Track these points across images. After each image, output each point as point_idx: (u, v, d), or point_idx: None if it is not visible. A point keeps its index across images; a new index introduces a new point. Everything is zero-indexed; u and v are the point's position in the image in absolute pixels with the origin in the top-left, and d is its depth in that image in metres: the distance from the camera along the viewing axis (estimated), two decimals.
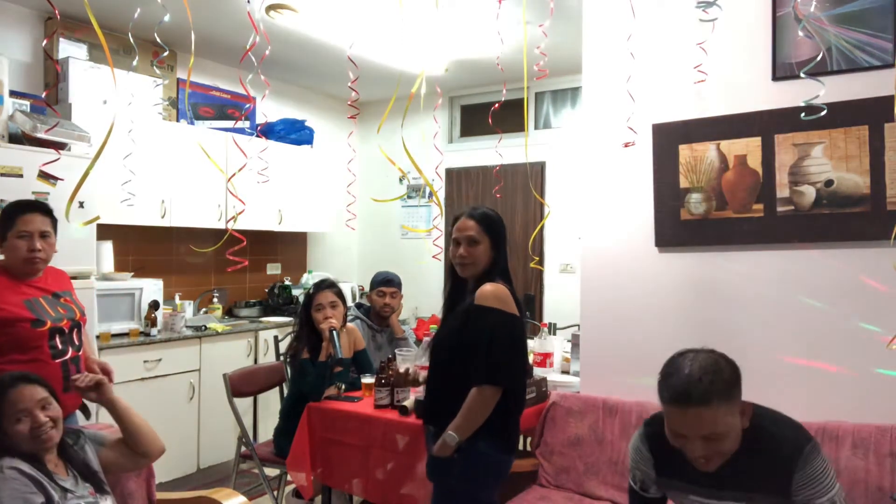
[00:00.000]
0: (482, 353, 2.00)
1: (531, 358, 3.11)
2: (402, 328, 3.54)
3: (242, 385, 3.21)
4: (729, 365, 1.58)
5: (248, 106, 4.72)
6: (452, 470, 2.04)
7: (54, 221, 2.36)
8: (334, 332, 2.82)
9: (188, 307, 4.30)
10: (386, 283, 3.50)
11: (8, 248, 2.27)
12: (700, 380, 1.51)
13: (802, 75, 1.97)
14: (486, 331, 2.01)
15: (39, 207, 2.33)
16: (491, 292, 2.05)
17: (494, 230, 2.16)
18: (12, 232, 2.25)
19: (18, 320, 2.20)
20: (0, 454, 1.75)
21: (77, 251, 3.21)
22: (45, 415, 1.79)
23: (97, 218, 2.86)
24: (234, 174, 1.99)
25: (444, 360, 2.14)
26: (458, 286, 2.24)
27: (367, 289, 3.82)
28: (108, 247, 3.84)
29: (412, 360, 2.31)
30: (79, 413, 2.48)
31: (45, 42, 3.74)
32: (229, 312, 4.77)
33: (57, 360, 2.26)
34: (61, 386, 2.19)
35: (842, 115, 2.26)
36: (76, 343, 2.37)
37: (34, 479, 1.73)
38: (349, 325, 3.21)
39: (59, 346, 2.28)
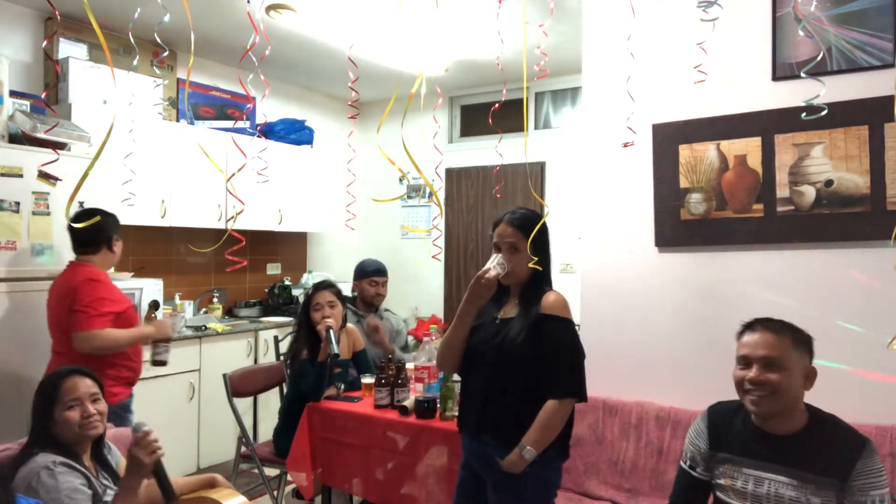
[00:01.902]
0: (565, 366, 1.94)
1: None
2: (389, 344, 3.44)
3: (242, 385, 3.21)
4: (805, 332, 1.76)
5: (248, 106, 4.72)
6: (527, 483, 1.94)
7: None
8: (331, 332, 2.82)
9: (188, 307, 4.30)
10: (378, 272, 3.53)
11: (119, 248, 2.93)
12: (774, 319, 1.76)
13: (802, 75, 1.97)
14: (566, 342, 1.95)
15: None
16: (561, 302, 1.99)
17: (536, 233, 2.03)
18: (118, 236, 2.91)
19: (127, 308, 2.84)
20: (41, 449, 1.78)
21: None
22: (94, 407, 1.87)
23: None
24: (233, 174, 1.98)
25: (507, 368, 1.97)
26: (502, 289, 2.11)
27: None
28: None
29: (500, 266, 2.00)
30: None
31: (45, 42, 3.74)
32: (229, 312, 4.77)
33: None
34: (141, 359, 2.92)
35: (842, 115, 2.26)
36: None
37: (82, 473, 1.79)
38: (349, 325, 3.21)
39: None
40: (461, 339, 2.09)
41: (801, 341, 1.73)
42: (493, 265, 1.99)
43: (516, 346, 1.96)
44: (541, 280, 2.06)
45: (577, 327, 2.02)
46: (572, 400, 1.96)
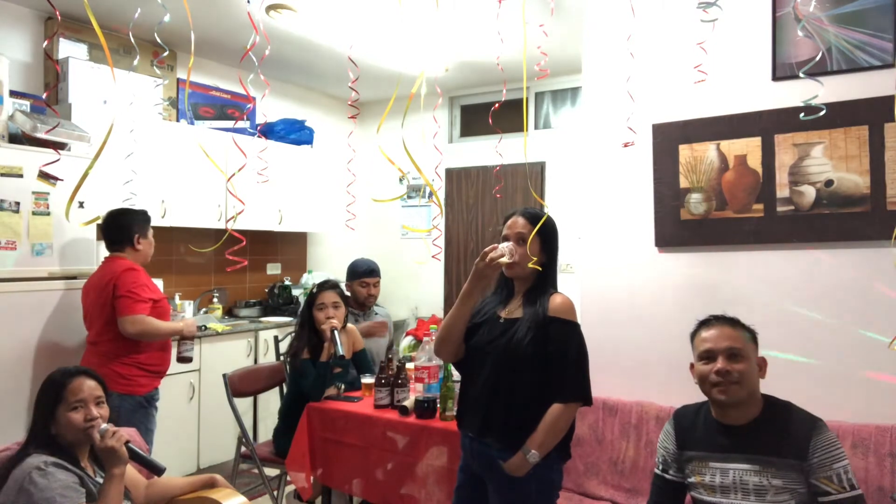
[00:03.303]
0: (572, 370, 1.92)
1: None
2: (362, 341, 3.33)
3: (242, 385, 3.21)
4: (750, 326, 1.87)
5: (248, 106, 4.72)
6: (530, 486, 1.94)
7: None
8: (336, 332, 2.83)
9: (188, 307, 4.30)
10: (370, 273, 3.53)
11: (147, 245, 3.04)
12: (726, 316, 1.88)
13: (802, 75, 1.97)
14: (574, 346, 1.94)
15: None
16: (568, 304, 1.99)
17: (546, 232, 2.04)
18: (150, 233, 3.04)
19: (161, 299, 2.98)
20: (36, 450, 1.78)
21: (77, 251, 3.21)
22: (97, 411, 1.86)
23: (98, 218, 2.88)
24: (234, 174, 1.98)
25: (513, 369, 1.96)
26: (508, 288, 2.12)
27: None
28: None
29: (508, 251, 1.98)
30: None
31: (45, 42, 3.74)
32: (229, 312, 4.77)
33: None
34: (171, 350, 3.07)
35: (842, 115, 2.26)
36: None
37: (76, 474, 1.79)
38: (349, 325, 3.21)
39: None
40: (462, 321, 2.05)
41: (752, 334, 1.85)
42: (503, 247, 1.98)
43: (523, 348, 1.94)
44: (546, 281, 2.05)
45: (579, 327, 2.00)
46: (578, 404, 1.96)
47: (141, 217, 3.02)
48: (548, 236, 2.06)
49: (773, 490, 1.70)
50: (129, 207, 3.04)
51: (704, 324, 1.88)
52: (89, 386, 1.87)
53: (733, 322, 1.85)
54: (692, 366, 1.90)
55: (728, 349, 1.78)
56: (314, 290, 3.04)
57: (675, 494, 1.91)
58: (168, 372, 3.76)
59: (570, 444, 2.04)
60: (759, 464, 1.73)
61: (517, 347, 1.95)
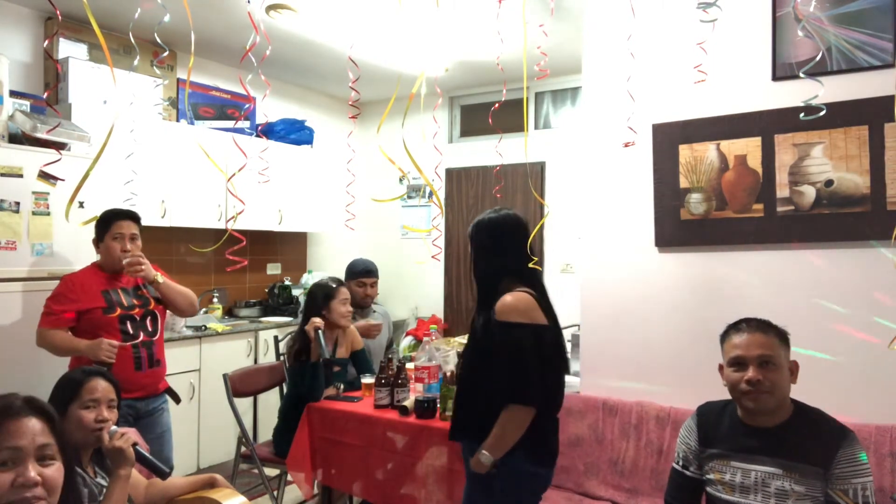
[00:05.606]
0: (510, 372, 1.91)
1: None
2: (361, 340, 3.32)
3: (242, 385, 3.21)
4: (782, 327, 1.81)
5: (248, 106, 4.72)
6: (494, 485, 1.97)
7: (140, 226, 2.80)
8: (320, 333, 2.83)
9: None
10: (367, 273, 3.53)
11: (104, 249, 2.72)
12: (757, 318, 1.81)
13: (802, 75, 1.97)
14: (512, 348, 1.92)
15: (130, 215, 2.78)
16: (511, 305, 1.95)
17: (477, 236, 2.16)
18: (108, 234, 2.70)
19: (91, 309, 2.63)
20: None
21: (78, 251, 3.21)
22: (109, 413, 1.88)
23: (94, 217, 2.87)
24: (234, 174, 1.98)
25: (470, 374, 2.07)
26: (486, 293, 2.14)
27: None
28: None
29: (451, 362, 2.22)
30: (169, 399, 2.87)
31: (45, 42, 3.74)
32: (229, 312, 4.77)
33: (128, 343, 2.66)
34: (133, 365, 2.66)
35: (842, 115, 2.26)
36: (149, 329, 2.76)
37: (78, 474, 1.79)
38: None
39: (130, 331, 2.69)
40: None
41: (784, 337, 1.78)
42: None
43: (469, 354, 2.06)
44: (493, 282, 2.07)
45: (524, 328, 1.94)
46: (520, 406, 1.92)
47: (100, 220, 2.75)
48: (480, 241, 2.16)
49: (794, 495, 1.66)
50: (109, 210, 2.84)
51: (735, 328, 1.81)
52: (104, 388, 1.89)
53: (765, 326, 1.77)
54: (721, 367, 1.84)
55: (759, 357, 1.72)
56: (330, 291, 3.04)
57: (692, 491, 1.88)
58: (168, 372, 3.77)
59: (539, 449, 2.01)
60: (784, 468, 1.69)
61: (471, 353, 2.07)
